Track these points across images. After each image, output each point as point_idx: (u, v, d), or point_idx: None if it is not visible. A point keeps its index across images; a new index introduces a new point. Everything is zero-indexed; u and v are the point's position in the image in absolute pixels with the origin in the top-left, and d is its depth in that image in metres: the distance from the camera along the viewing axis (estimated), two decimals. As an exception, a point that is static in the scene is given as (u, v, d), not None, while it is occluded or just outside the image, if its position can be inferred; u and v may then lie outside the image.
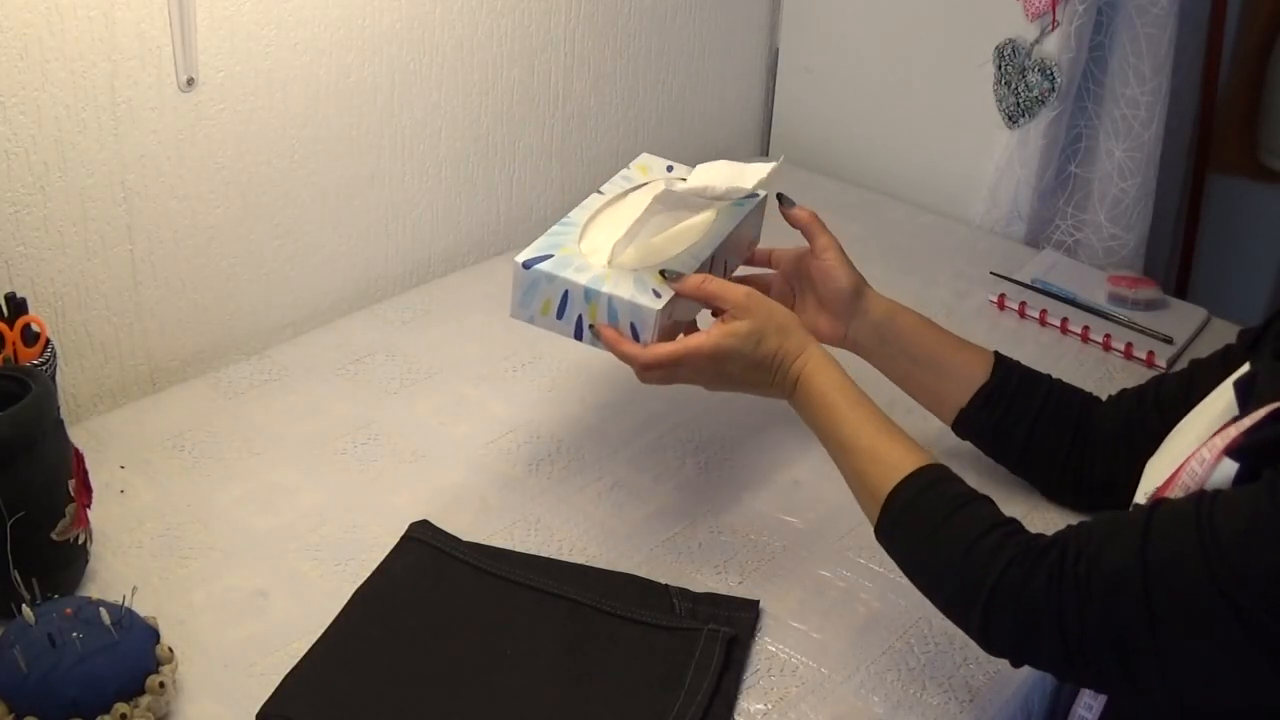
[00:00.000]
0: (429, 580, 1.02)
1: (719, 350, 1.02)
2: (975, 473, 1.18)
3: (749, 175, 1.11)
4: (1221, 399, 0.91)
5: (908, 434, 0.96)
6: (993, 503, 0.90)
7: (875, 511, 0.93)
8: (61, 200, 1.14)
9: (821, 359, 1.02)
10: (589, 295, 1.04)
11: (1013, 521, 0.88)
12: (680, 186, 1.08)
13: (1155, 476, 0.93)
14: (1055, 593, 0.81)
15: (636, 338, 1.05)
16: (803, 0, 1.84)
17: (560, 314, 1.05)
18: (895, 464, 0.93)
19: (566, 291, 1.05)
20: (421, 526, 1.08)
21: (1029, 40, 1.58)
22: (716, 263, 1.14)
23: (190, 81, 1.18)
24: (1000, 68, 1.62)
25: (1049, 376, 1.16)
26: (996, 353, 1.15)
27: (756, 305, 1.03)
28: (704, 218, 1.14)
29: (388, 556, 1.05)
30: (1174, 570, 0.76)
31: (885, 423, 0.97)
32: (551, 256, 1.06)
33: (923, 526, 0.90)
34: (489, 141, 1.52)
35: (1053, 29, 1.55)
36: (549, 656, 0.96)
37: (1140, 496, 0.93)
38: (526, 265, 1.05)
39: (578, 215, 1.14)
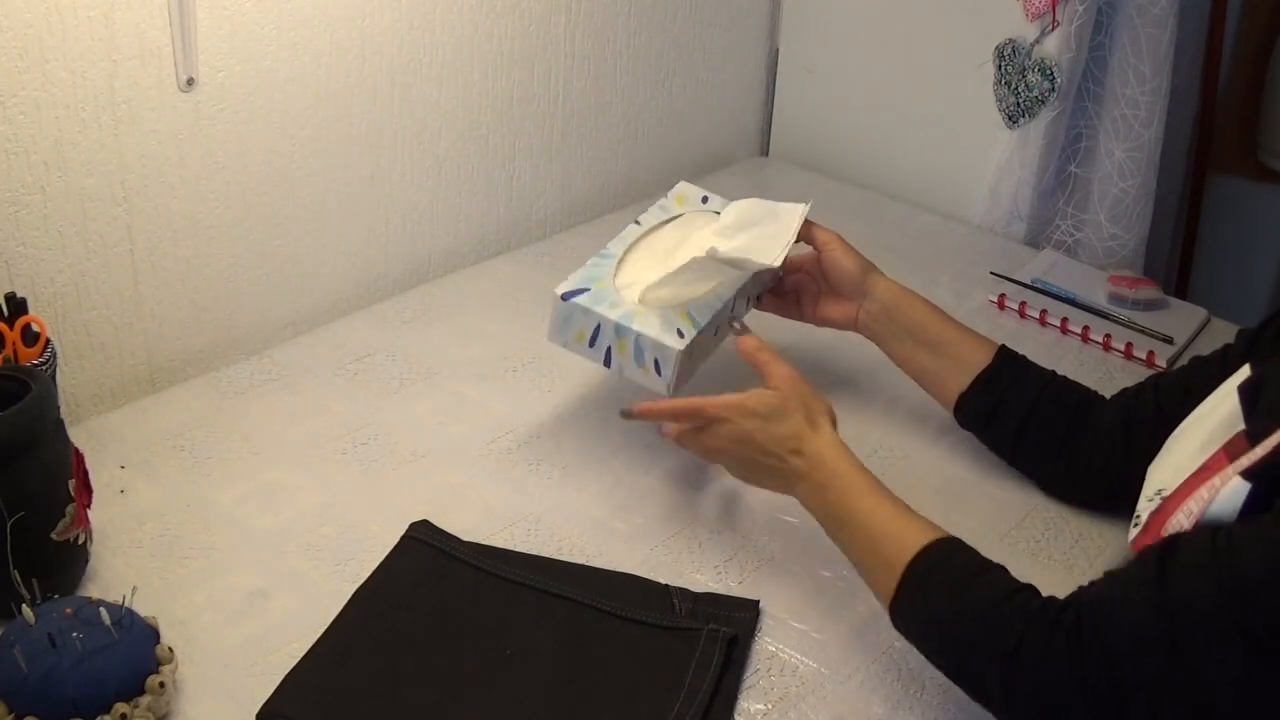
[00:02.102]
0: (429, 580, 1.02)
1: (743, 406, 1.03)
2: (978, 469, 1.18)
3: (782, 216, 1.21)
4: (1225, 404, 0.91)
5: (920, 514, 0.96)
6: (1006, 570, 0.90)
7: (891, 586, 0.92)
8: (61, 200, 1.13)
9: (840, 447, 1.02)
10: (619, 330, 1.12)
11: (1029, 587, 0.87)
12: (721, 254, 1.15)
13: (1158, 481, 0.93)
14: (1075, 653, 0.80)
15: (659, 373, 1.12)
16: (803, 0, 1.84)
17: (592, 343, 1.14)
18: (911, 538, 0.92)
19: (599, 325, 1.13)
20: (421, 526, 1.08)
21: (1029, 40, 1.58)
22: (739, 297, 1.20)
23: (190, 81, 1.18)
24: (1000, 68, 1.62)
25: (1053, 371, 1.18)
26: (1003, 345, 1.18)
27: (793, 387, 1.05)
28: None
29: (388, 556, 1.05)
30: (1196, 618, 0.75)
31: (900, 503, 0.97)
32: (588, 290, 1.15)
33: (941, 596, 0.89)
34: (489, 141, 1.52)
35: (1053, 29, 1.55)
36: (549, 656, 0.96)
37: (1144, 502, 0.93)
38: (564, 298, 1.14)
39: (615, 247, 1.22)
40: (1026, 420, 1.14)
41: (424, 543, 1.06)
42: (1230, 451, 0.87)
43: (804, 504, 1.03)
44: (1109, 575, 0.84)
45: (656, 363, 1.11)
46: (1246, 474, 0.80)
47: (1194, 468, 0.89)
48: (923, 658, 0.99)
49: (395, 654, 0.95)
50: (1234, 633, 0.73)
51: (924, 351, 1.18)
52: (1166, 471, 0.93)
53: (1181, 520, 0.84)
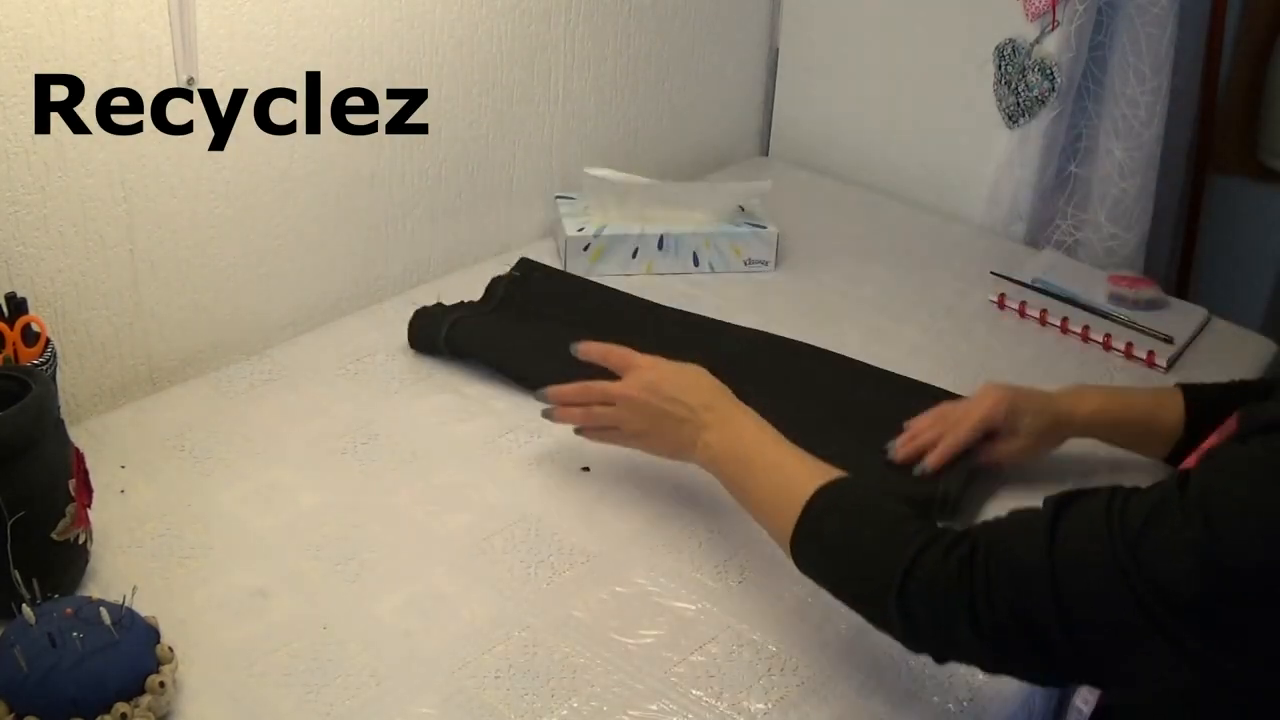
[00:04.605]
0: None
1: (654, 360, 1.11)
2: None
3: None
4: None
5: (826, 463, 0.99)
6: (905, 503, 0.93)
7: (792, 520, 0.94)
8: (61, 200, 1.13)
9: (747, 409, 1.06)
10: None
11: (928, 517, 0.91)
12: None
13: None
14: (966, 580, 0.82)
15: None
16: (802, 0, 1.84)
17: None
18: (815, 478, 0.95)
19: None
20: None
21: (1029, 40, 1.58)
22: None
23: (190, 81, 1.18)
24: (1000, 68, 1.62)
25: (1245, 392, 1.15)
26: (1185, 396, 1.15)
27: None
28: None
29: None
30: (1081, 559, 0.78)
31: (808, 455, 1.00)
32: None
33: (843, 521, 0.92)
34: (489, 141, 1.52)
35: (1053, 29, 1.56)
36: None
37: None
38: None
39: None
40: None
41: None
42: (1222, 432, 0.90)
43: (707, 458, 1.04)
44: (1012, 513, 0.86)
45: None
46: None
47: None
48: (923, 658, 0.98)
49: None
50: (1115, 577, 0.75)
51: (1118, 444, 1.20)
52: None
53: None
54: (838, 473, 0.96)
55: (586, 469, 1.18)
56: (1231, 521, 0.73)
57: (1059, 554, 0.79)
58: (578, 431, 1.15)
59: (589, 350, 1.14)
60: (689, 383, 1.08)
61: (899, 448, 1.18)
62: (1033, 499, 1.16)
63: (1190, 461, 0.90)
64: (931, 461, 1.15)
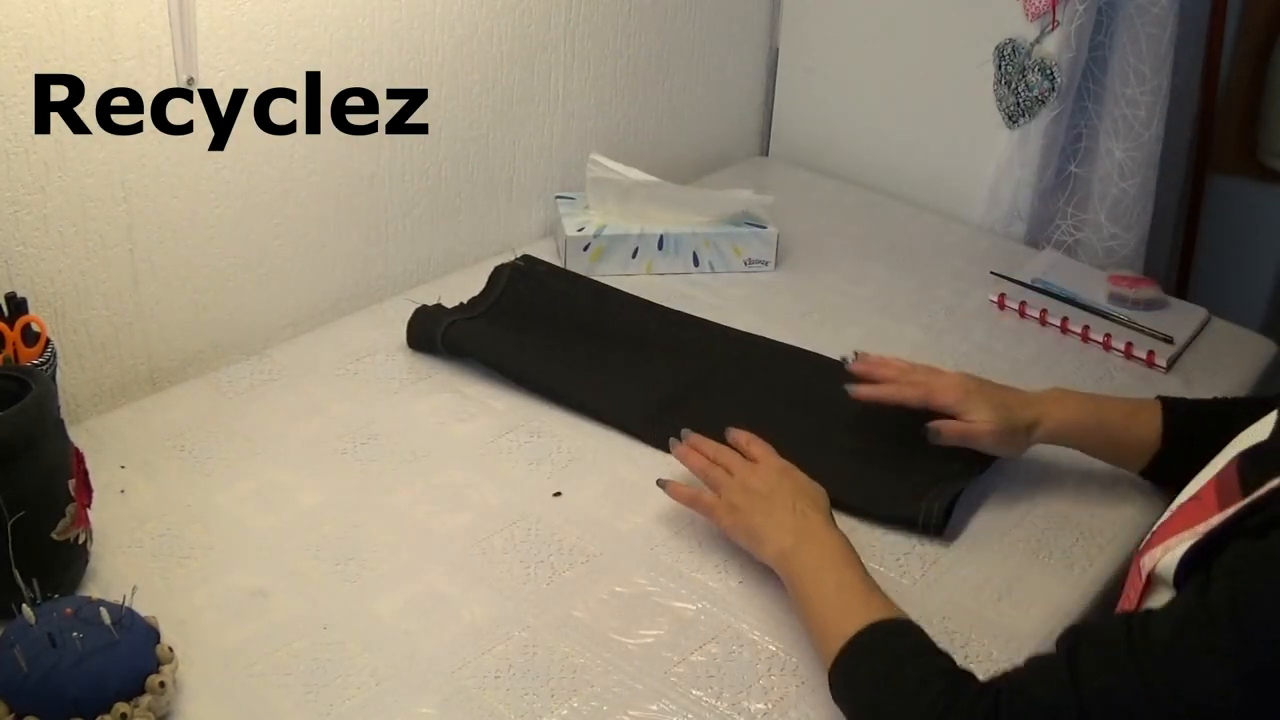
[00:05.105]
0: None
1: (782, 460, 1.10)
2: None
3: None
4: (1263, 427, 0.88)
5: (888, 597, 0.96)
6: (950, 658, 0.89)
7: (835, 650, 0.91)
8: (61, 200, 1.13)
9: (835, 530, 1.04)
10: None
11: (963, 672, 0.86)
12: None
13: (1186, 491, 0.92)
14: None
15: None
16: (803, 0, 1.84)
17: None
18: (870, 612, 0.92)
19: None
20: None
21: (1029, 40, 1.58)
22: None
23: (190, 81, 1.18)
24: (1000, 68, 1.62)
25: (1227, 413, 1.09)
26: (1164, 409, 1.13)
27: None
28: None
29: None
30: (1108, 689, 0.75)
31: (875, 584, 0.97)
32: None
33: (876, 667, 0.89)
34: (489, 141, 1.52)
35: (1053, 29, 1.56)
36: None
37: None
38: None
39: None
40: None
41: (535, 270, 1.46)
42: (1221, 484, 0.86)
43: (789, 558, 1.01)
44: (1030, 661, 0.83)
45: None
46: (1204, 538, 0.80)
47: (1194, 490, 0.88)
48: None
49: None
50: (1150, 708, 0.73)
51: (1092, 452, 1.17)
52: (1193, 487, 0.91)
53: (1151, 559, 0.85)
54: (890, 611, 0.93)
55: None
56: (1264, 625, 0.70)
57: (1084, 688, 0.76)
58: (661, 483, 1.11)
59: (689, 448, 1.13)
60: (810, 490, 1.06)
61: (857, 359, 1.23)
62: (1021, 511, 1.17)
63: (1175, 525, 0.87)
64: (859, 392, 1.19)
